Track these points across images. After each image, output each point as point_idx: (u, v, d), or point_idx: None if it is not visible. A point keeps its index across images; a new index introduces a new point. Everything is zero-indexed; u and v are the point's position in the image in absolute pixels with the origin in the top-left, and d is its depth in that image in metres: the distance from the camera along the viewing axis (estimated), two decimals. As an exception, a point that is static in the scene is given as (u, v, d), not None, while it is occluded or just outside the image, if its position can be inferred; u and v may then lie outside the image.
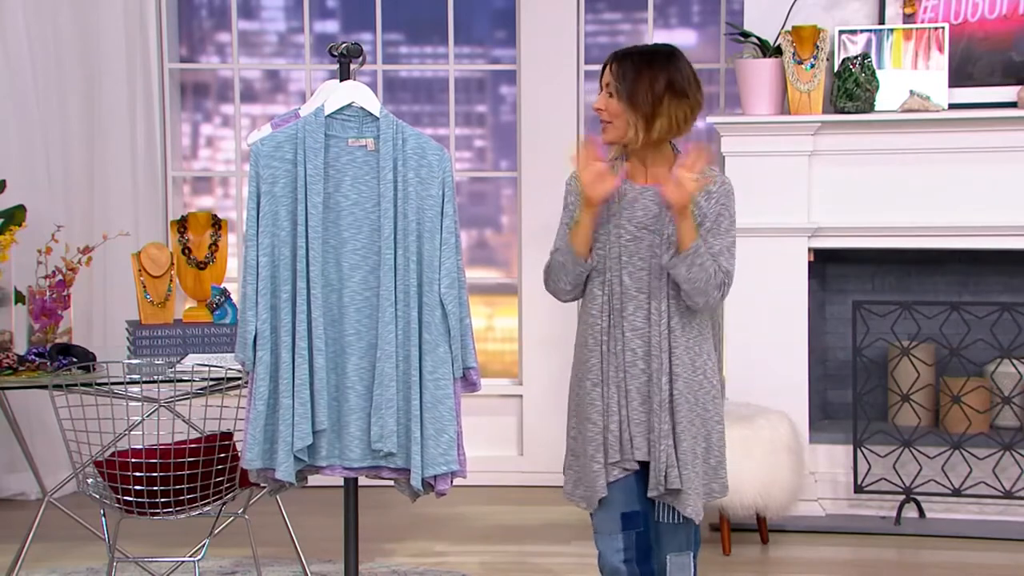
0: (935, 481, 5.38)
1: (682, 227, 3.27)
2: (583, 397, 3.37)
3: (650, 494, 3.34)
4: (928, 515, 5.42)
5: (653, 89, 3.32)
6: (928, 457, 5.38)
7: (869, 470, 5.40)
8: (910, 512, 5.41)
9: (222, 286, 4.55)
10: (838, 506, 5.52)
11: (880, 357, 5.60)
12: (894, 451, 5.40)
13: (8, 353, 4.30)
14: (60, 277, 4.56)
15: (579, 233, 3.33)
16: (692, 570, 3.40)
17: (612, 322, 3.34)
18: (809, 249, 5.47)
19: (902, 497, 5.38)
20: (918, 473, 5.37)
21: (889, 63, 5.44)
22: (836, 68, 5.41)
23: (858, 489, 5.41)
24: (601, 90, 3.39)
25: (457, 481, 3.30)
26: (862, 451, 5.40)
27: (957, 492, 5.35)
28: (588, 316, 3.38)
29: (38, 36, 5.92)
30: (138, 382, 4.07)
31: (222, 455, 3.92)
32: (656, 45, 3.42)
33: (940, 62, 5.39)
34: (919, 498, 5.40)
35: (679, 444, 3.31)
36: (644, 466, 3.35)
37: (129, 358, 4.34)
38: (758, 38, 5.48)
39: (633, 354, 3.33)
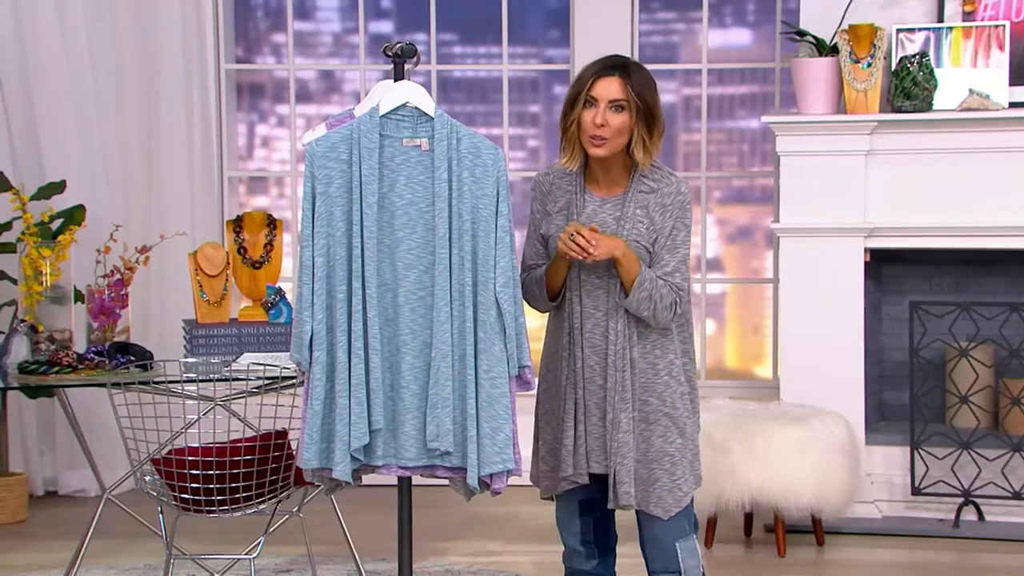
0: (994, 484, 5.32)
1: (620, 271, 3.30)
2: (545, 409, 3.45)
3: (609, 506, 3.40)
4: (988, 518, 5.36)
5: (659, 101, 3.33)
6: (987, 459, 5.32)
7: (927, 472, 5.35)
8: (969, 515, 5.35)
9: (277, 285, 4.57)
10: (895, 508, 5.47)
11: (937, 358, 5.54)
12: (952, 453, 5.35)
13: (68, 351, 4.35)
14: (118, 276, 4.60)
15: (555, 277, 3.37)
16: (698, 551, 3.46)
17: (572, 339, 3.39)
18: (865, 249, 5.42)
19: (960, 500, 5.32)
20: (977, 475, 5.31)
21: (948, 61, 5.39)
22: (893, 67, 5.36)
23: (915, 491, 5.36)
24: (594, 105, 3.29)
25: (511, 480, 3.29)
26: (919, 453, 5.35)
27: (1017, 495, 5.29)
28: (551, 332, 3.46)
29: (97, 36, 5.98)
30: (194, 380, 4.10)
31: (277, 453, 3.94)
32: (622, 56, 3.37)
33: (1000, 60, 5.33)
34: (978, 501, 5.34)
35: (649, 448, 3.36)
36: (597, 476, 3.40)
37: (185, 357, 4.37)
38: (814, 37, 5.44)
39: (591, 370, 3.37)
